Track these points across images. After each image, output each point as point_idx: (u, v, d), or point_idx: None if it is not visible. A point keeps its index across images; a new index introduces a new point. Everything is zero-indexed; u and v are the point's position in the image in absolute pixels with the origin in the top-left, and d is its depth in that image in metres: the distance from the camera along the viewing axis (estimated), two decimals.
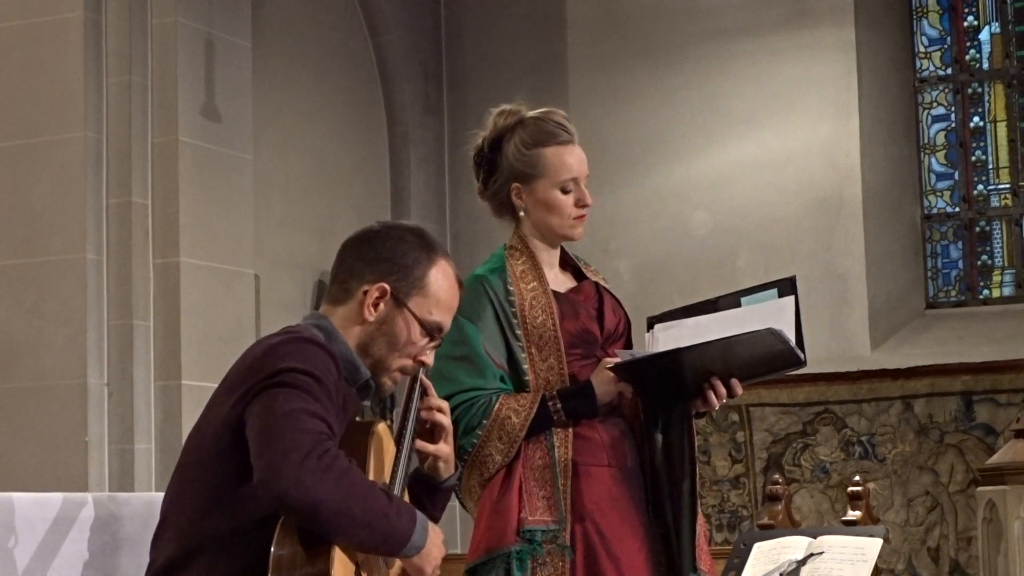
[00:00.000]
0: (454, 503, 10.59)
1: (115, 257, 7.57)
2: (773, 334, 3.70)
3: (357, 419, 3.22)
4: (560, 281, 4.05)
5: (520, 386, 3.91)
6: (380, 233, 3.27)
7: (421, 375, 3.27)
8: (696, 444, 3.99)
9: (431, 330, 3.24)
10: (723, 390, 3.86)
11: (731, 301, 3.95)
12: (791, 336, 3.77)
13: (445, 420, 3.31)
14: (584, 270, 4.12)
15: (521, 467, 3.85)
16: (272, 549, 2.91)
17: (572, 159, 3.97)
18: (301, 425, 2.92)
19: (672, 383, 3.89)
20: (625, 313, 4.11)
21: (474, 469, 3.87)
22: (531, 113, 4.03)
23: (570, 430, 3.88)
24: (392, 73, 9.94)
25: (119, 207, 7.60)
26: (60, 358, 7.44)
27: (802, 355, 3.79)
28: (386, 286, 3.20)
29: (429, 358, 3.27)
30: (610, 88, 9.75)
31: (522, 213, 4.00)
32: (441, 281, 3.25)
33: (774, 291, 3.90)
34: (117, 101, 7.65)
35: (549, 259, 4.04)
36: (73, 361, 7.43)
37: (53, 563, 3.65)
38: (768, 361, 3.83)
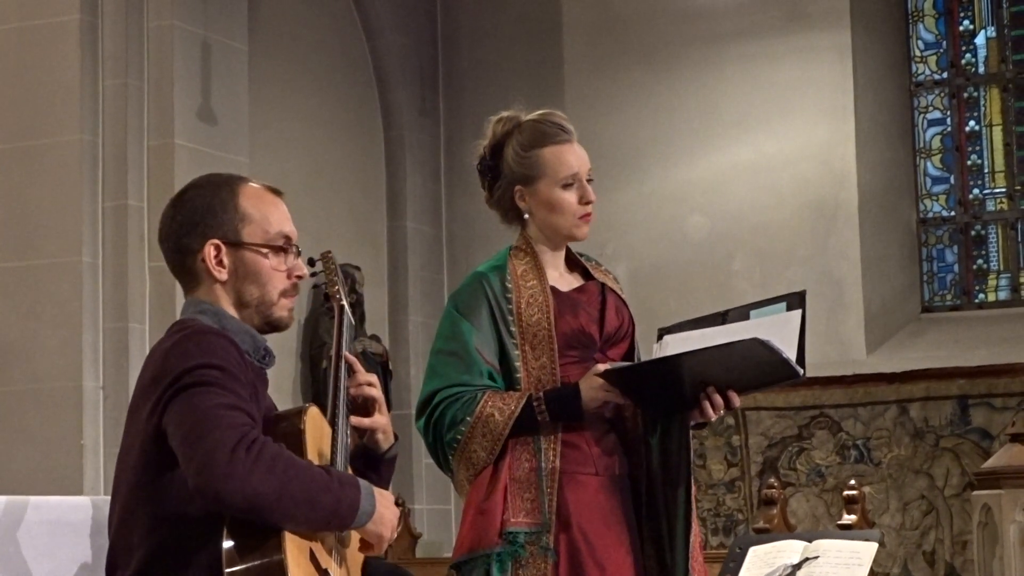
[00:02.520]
0: (448, 506, 10.51)
1: (111, 260, 7.57)
2: (760, 344, 3.69)
3: (285, 409, 3.19)
4: (565, 281, 4.05)
5: (511, 385, 3.91)
6: (178, 205, 3.23)
7: (346, 353, 3.26)
8: (692, 453, 3.99)
9: (280, 244, 3.22)
10: (719, 400, 3.86)
11: (740, 314, 3.96)
12: (791, 348, 3.76)
13: (376, 392, 3.31)
14: (592, 270, 4.12)
15: (507, 469, 3.85)
16: (223, 545, 2.89)
17: (571, 157, 3.98)
18: (221, 421, 2.90)
19: (669, 393, 3.89)
20: (630, 315, 4.10)
21: (462, 464, 3.89)
22: (528, 116, 4.04)
23: (559, 437, 3.87)
24: (388, 76, 9.95)
25: (115, 210, 7.60)
26: (55, 361, 7.44)
27: (801, 369, 3.78)
28: (215, 240, 3.17)
29: (301, 269, 3.25)
30: (606, 91, 9.76)
31: (527, 216, 4.00)
32: (255, 201, 3.23)
33: (783, 304, 3.90)
34: (113, 104, 7.65)
35: (554, 260, 4.05)
36: (68, 364, 7.43)
37: (49, 566, 3.64)
38: (762, 372, 3.82)
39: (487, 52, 10.20)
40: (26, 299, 7.51)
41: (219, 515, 2.92)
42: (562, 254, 4.08)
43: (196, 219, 3.18)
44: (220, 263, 3.17)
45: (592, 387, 3.83)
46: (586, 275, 4.12)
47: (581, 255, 4.15)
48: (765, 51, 9.57)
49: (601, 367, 3.84)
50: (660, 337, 4.00)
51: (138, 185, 7.66)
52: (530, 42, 10.11)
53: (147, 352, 7.77)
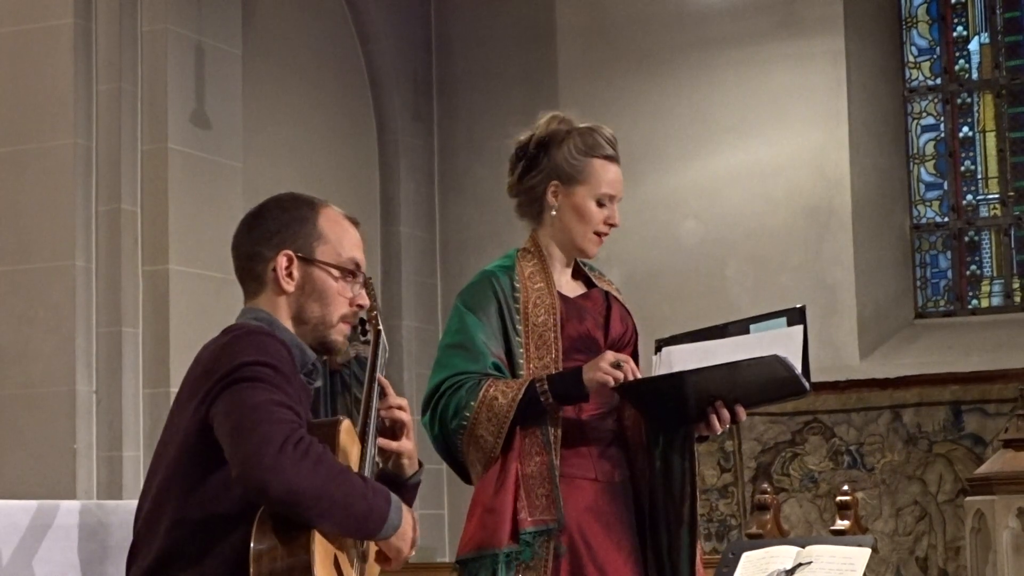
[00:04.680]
0: (441, 511, 10.49)
1: (104, 264, 7.57)
2: (779, 361, 3.74)
3: (320, 419, 3.23)
4: (570, 287, 4.11)
5: None
6: (259, 214, 3.30)
7: (379, 376, 3.30)
8: (697, 468, 4.01)
9: (350, 269, 3.27)
10: (727, 415, 3.89)
11: (740, 328, 3.99)
12: (797, 365, 3.80)
13: (405, 416, 3.34)
14: (596, 280, 4.17)
15: (518, 465, 3.86)
16: (252, 544, 2.93)
17: (614, 177, 4.08)
18: (271, 416, 2.95)
19: (676, 406, 3.91)
20: (633, 323, 4.15)
21: (471, 448, 3.91)
22: (582, 124, 4.11)
23: (559, 434, 3.89)
24: (382, 81, 9.94)
25: (108, 214, 7.59)
26: (49, 365, 7.43)
27: (807, 384, 3.82)
28: (289, 252, 3.23)
29: (364, 298, 3.30)
30: (600, 97, 9.76)
31: (553, 212, 4.04)
32: (333, 224, 3.29)
33: (783, 320, 3.94)
34: (107, 108, 7.64)
35: (562, 266, 4.09)
36: (62, 368, 7.42)
37: (40, 571, 3.64)
38: (772, 388, 3.87)
39: (481, 57, 10.20)
40: (19, 303, 7.50)
41: (247, 515, 2.96)
42: (570, 262, 4.12)
43: (275, 229, 3.25)
44: (289, 275, 3.23)
45: (592, 368, 3.85)
46: (588, 284, 4.16)
47: (584, 264, 4.19)
48: (759, 57, 9.58)
49: (611, 354, 3.87)
50: (658, 349, 4.02)
51: (132, 189, 7.65)
52: (524, 47, 10.11)
53: (140, 356, 7.79)
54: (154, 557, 3.05)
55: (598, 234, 4.06)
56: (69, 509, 3.80)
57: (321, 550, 2.96)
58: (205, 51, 7.95)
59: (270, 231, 3.25)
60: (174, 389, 7.43)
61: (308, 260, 3.23)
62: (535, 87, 9.87)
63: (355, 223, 3.34)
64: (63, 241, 7.48)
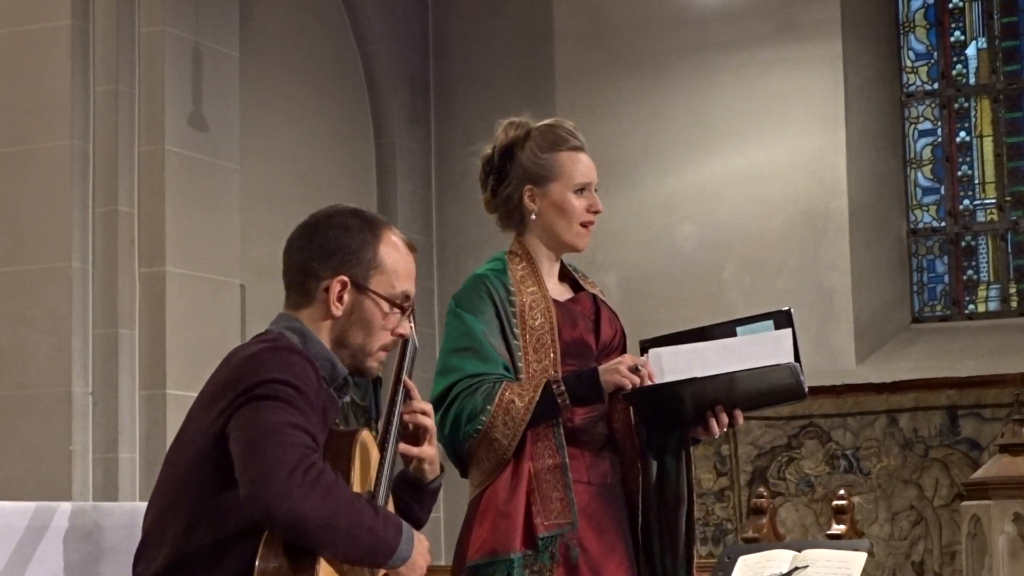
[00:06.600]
0: (437, 514, 10.50)
1: (101, 266, 7.56)
2: (791, 369, 3.75)
3: (341, 428, 3.23)
4: (558, 291, 4.09)
5: None
6: (320, 226, 3.27)
7: (405, 377, 3.29)
8: (693, 472, 4.01)
9: (400, 302, 3.26)
10: (725, 419, 3.89)
11: (726, 330, 3.98)
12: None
13: (428, 422, 3.33)
14: (582, 282, 4.15)
15: (531, 468, 3.86)
16: (257, 563, 2.92)
17: (585, 165, 4.06)
18: (285, 439, 2.93)
19: (675, 410, 3.91)
20: (621, 326, 4.14)
21: (484, 447, 3.88)
22: (540, 123, 4.10)
23: (563, 436, 3.89)
24: (379, 83, 9.94)
25: (105, 216, 7.59)
26: (45, 367, 7.42)
27: (806, 389, 3.84)
28: (344, 277, 3.21)
29: (405, 328, 3.29)
30: (597, 100, 9.76)
31: (533, 216, 4.03)
32: (393, 253, 3.27)
33: (770, 323, 3.94)
34: (104, 109, 7.64)
35: (549, 268, 4.08)
36: (58, 370, 7.41)
37: (35, 572, 3.64)
38: (775, 393, 3.88)
39: (478, 60, 10.20)
40: (16, 304, 7.49)
41: (255, 531, 2.95)
42: (557, 264, 4.10)
43: (334, 249, 3.23)
44: (340, 299, 3.21)
45: (608, 371, 3.85)
46: (575, 286, 4.14)
47: (570, 266, 4.18)
48: (756, 61, 9.58)
49: (629, 358, 3.86)
50: (644, 350, 4.00)
51: (128, 191, 7.64)
52: (521, 50, 10.11)
53: (136, 358, 7.78)
54: (162, 563, 3.05)
55: (584, 225, 4.03)
56: (64, 511, 3.79)
57: (326, 574, 2.95)
58: (202, 53, 7.94)
59: (329, 249, 3.23)
60: (171, 391, 7.47)
61: (361, 288, 3.22)
62: (532, 90, 9.87)
63: (413, 249, 3.33)
64: (59, 242, 7.47)
